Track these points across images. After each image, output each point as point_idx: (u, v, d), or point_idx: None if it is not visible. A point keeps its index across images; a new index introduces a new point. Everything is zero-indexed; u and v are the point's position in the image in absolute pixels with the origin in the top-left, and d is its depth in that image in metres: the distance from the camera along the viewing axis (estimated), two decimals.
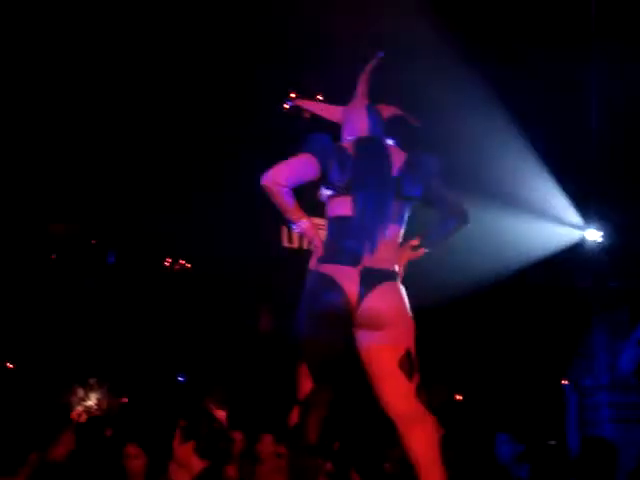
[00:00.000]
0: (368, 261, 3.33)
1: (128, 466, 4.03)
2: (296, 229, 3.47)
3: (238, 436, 6.14)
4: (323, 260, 3.39)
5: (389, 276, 3.37)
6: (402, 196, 3.43)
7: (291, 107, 3.74)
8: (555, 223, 9.85)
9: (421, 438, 3.13)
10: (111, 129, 9.62)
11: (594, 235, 10.26)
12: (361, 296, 3.28)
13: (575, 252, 10.27)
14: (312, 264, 3.43)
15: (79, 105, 9.21)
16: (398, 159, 3.46)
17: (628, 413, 10.84)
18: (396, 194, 3.42)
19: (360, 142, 3.50)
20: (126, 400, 13.28)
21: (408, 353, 3.26)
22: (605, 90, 8.13)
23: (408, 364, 3.25)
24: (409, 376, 3.23)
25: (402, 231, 3.51)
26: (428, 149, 3.57)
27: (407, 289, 3.45)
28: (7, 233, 11.14)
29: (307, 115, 3.71)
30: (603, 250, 10.30)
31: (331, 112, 3.71)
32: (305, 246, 9.63)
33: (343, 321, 3.29)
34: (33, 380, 11.32)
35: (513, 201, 8.99)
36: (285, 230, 9.78)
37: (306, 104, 3.71)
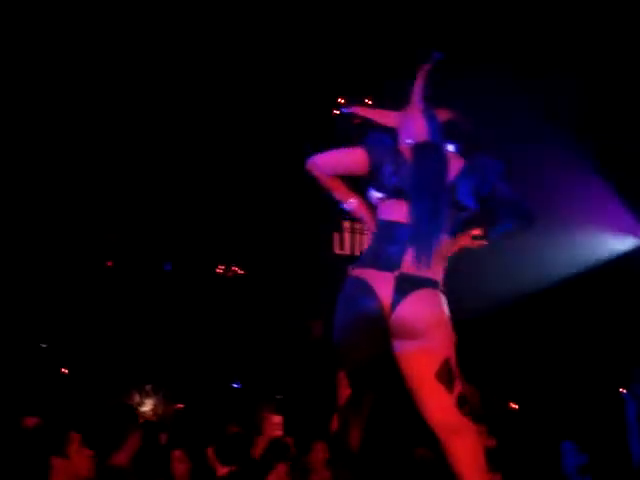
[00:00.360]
0: (407, 267, 3.26)
1: (173, 469, 4.05)
2: (346, 207, 3.46)
3: (289, 442, 6.14)
4: (360, 264, 3.36)
5: (426, 283, 3.26)
6: (455, 204, 3.36)
7: (346, 114, 3.65)
8: (611, 230, 9.68)
9: (463, 449, 3.03)
10: (166, 142, 9.73)
11: None
12: (395, 303, 3.20)
13: (632, 258, 10.07)
14: (350, 268, 3.39)
15: (136, 118, 9.34)
16: (455, 166, 3.39)
17: None
18: (451, 202, 3.37)
19: (418, 147, 3.43)
20: (182, 406, 13.38)
21: (447, 363, 3.16)
22: None
23: (447, 375, 3.14)
24: (449, 388, 3.12)
25: (447, 239, 3.43)
26: (486, 150, 3.51)
27: (461, 294, 3.39)
28: (64, 241, 11.33)
29: (358, 121, 3.63)
30: None
31: (387, 117, 3.63)
32: (357, 252, 9.61)
33: (377, 328, 3.22)
34: (90, 386, 11.48)
35: (568, 207, 8.85)
36: (337, 237, 9.77)
37: (362, 110, 3.64)
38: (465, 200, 3.32)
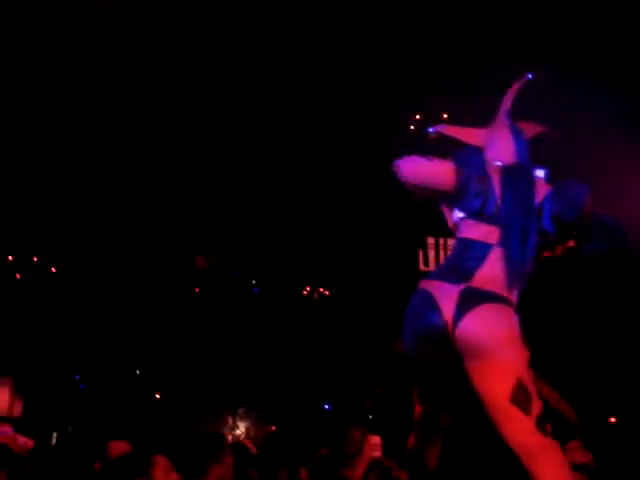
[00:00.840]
0: (476, 282, 3.10)
1: None
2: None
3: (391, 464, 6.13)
4: (431, 276, 3.25)
5: (491, 298, 3.06)
6: (538, 230, 3.27)
7: (434, 133, 3.57)
8: None
9: (548, 471, 2.86)
10: (250, 167, 9.83)
11: None
12: (456, 319, 3.01)
13: None
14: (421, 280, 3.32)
15: (212, 144, 9.46)
16: (541, 191, 3.31)
17: None
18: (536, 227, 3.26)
19: (508, 170, 3.32)
20: (274, 428, 13.47)
21: (520, 385, 2.93)
22: None
23: (522, 397, 2.92)
24: (526, 410, 2.91)
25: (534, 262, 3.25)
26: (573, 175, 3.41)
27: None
28: (156, 269, 11.59)
29: (434, 136, 3.56)
30: None
31: (473, 135, 3.50)
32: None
33: (442, 343, 3.04)
34: (183, 409, 11.66)
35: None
36: (421, 253, 9.70)
37: (447, 129, 3.56)
38: (547, 225, 3.24)
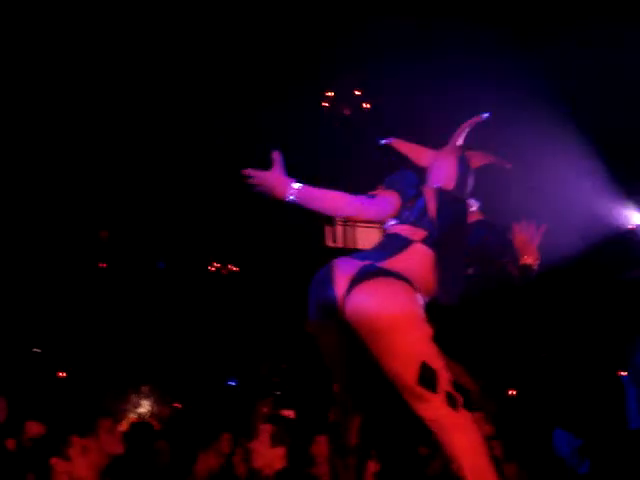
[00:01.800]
0: (384, 264, 3.02)
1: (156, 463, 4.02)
2: None
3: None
4: (349, 255, 3.21)
5: (389, 273, 2.97)
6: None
7: (385, 145, 3.59)
8: (607, 212, 9.66)
9: (461, 445, 2.85)
10: (158, 141, 9.67)
11: None
12: (347, 292, 2.91)
13: (630, 240, 10.07)
14: None
15: (127, 118, 9.29)
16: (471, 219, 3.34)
17: None
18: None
19: (444, 196, 3.33)
20: (179, 406, 13.34)
21: (424, 366, 2.84)
22: None
23: (428, 377, 2.84)
24: (432, 389, 2.85)
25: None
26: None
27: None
28: (57, 243, 11.27)
29: (383, 148, 3.59)
30: None
31: (422, 155, 3.57)
32: (350, 245, 9.56)
33: (335, 317, 2.94)
34: (86, 388, 11.43)
35: (561, 189, 8.82)
36: (329, 230, 9.72)
37: (399, 144, 3.59)
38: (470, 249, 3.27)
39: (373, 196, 3.32)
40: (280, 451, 5.19)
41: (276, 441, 4.83)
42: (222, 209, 10.61)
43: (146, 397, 13.61)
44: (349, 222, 9.88)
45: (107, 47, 8.12)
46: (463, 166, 3.48)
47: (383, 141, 3.58)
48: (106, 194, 10.59)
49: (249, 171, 3.14)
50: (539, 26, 7.78)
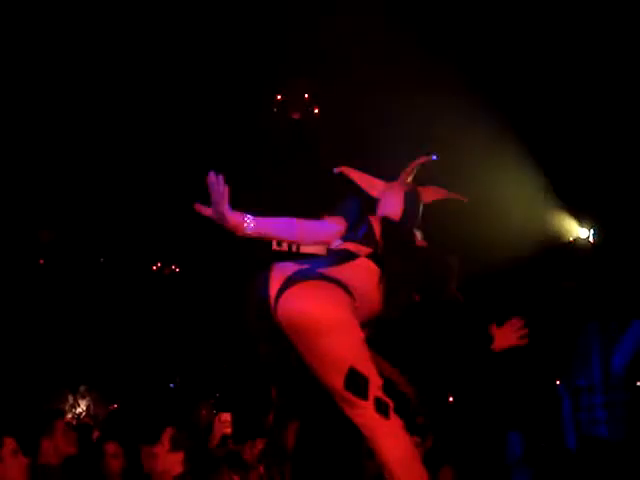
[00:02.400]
0: (323, 271, 3.01)
1: (107, 465, 3.97)
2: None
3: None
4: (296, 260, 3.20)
5: (321, 277, 2.96)
6: None
7: (336, 173, 3.63)
8: (548, 223, 9.83)
9: (389, 451, 2.85)
10: (97, 140, 9.56)
11: (586, 235, 10.25)
12: (278, 295, 2.91)
13: (567, 251, 10.25)
14: None
15: (71, 110, 9.16)
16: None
17: (622, 412, 10.81)
18: None
19: (389, 224, 3.38)
20: (116, 406, 13.18)
21: (352, 372, 2.82)
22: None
23: (356, 384, 2.82)
24: (362, 396, 2.83)
25: None
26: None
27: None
28: None
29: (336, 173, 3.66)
30: (595, 250, 10.28)
31: (372, 186, 3.63)
32: (294, 249, 9.56)
33: (267, 320, 2.93)
34: (23, 386, 11.22)
35: (502, 199, 8.96)
36: None
37: (351, 172, 3.65)
38: None
39: (320, 220, 3.36)
40: (179, 456, 5.16)
41: (176, 446, 4.81)
42: (166, 209, 10.52)
43: (83, 397, 13.43)
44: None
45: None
46: (411, 201, 3.52)
47: (336, 169, 3.62)
48: (48, 192, 10.42)
49: (201, 208, 3.10)
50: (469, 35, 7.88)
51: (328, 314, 2.88)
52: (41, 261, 12.29)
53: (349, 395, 2.84)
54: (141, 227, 11.17)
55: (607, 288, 10.43)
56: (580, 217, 10.15)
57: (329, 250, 3.33)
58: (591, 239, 10.26)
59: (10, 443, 3.58)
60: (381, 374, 3.00)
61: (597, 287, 10.57)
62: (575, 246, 10.32)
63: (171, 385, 13.51)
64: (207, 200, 3.00)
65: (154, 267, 12.99)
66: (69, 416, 12.46)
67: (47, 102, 8.93)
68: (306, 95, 8.08)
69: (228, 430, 4.53)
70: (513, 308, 10.65)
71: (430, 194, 3.63)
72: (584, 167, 9.10)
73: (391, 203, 3.52)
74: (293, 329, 2.87)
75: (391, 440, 2.87)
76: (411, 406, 4.70)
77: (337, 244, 3.31)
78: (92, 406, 13.30)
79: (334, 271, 3.02)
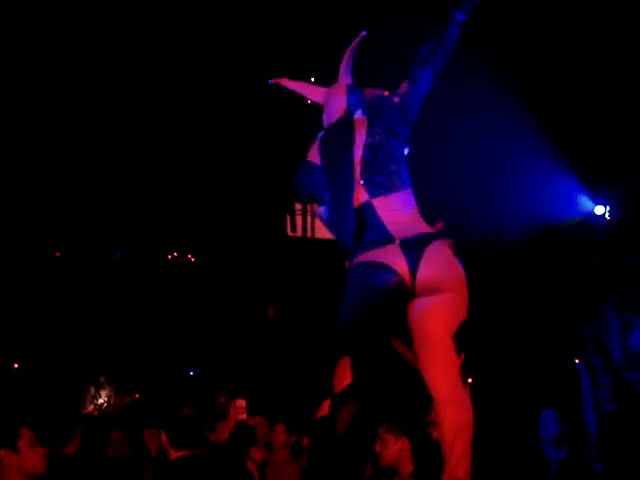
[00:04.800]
0: (397, 233, 3.11)
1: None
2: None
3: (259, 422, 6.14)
4: (359, 252, 3.18)
5: (430, 237, 3.13)
6: (388, 162, 3.24)
7: (273, 84, 3.54)
8: (563, 199, 9.76)
9: (453, 421, 2.97)
10: (117, 132, 9.57)
11: (602, 211, 10.18)
12: (412, 269, 3.04)
13: (585, 228, 10.18)
14: (349, 263, 3.23)
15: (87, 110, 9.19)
16: (361, 131, 3.29)
17: None
18: (377, 166, 3.23)
19: (325, 135, 3.36)
20: (137, 396, 13.27)
21: (462, 327, 3.08)
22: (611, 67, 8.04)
23: (459, 339, 3.05)
24: (458, 352, 3.05)
25: (406, 194, 3.25)
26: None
27: None
28: (12, 233, 11.12)
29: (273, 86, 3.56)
30: (613, 226, 10.21)
31: (313, 92, 3.54)
32: (309, 235, 9.55)
33: (402, 300, 3.08)
34: (42, 379, 11.31)
35: (519, 177, 8.89)
36: (289, 219, 9.69)
37: (288, 82, 3.54)
38: (394, 152, 3.24)
39: None
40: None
41: None
42: (181, 198, 10.53)
43: (104, 388, 13.53)
44: (309, 211, 9.86)
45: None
46: (354, 95, 3.43)
47: (271, 80, 3.54)
48: (64, 183, 10.45)
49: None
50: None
51: (460, 269, 3.16)
52: (57, 254, 12.35)
53: (452, 345, 3.03)
54: (156, 217, 11.18)
55: (625, 266, 10.36)
56: (596, 194, 10.08)
57: None
58: (607, 216, 10.18)
59: (27, 434, 3.59)
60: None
61: (615, 265, 10.50)
62: (591, 223, 10.25)
63: (190, 373, 13.57)
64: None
65: (169, 256, 13.02)
66: (91, 407, 12.57)
67: (58, 95, 8.94)
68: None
69: (243, 416, 4.54)
70: (530, 287, 10.66)
71: (372, 92, 3.50)
72: (600, 144, 9.03)
73: (334, 103, 3.43)
74: (436, 286, 3.07)
75: (456, 414, 3.00)
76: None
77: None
78: (113, 397, 13.40)
79: (407, 228, 3.16)
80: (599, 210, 10.19)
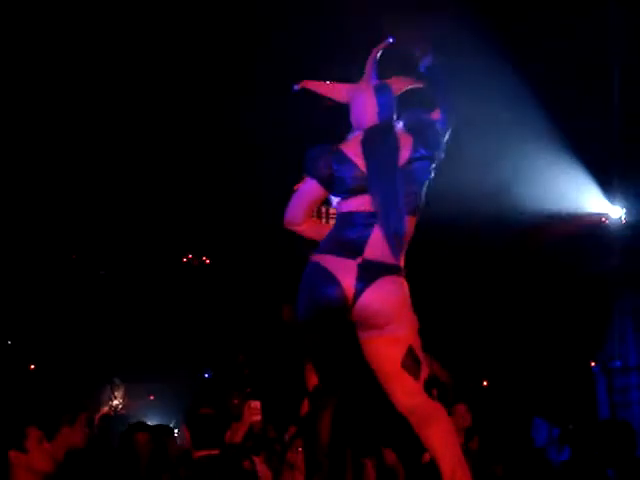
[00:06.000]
0: (370, 254, 3.13)
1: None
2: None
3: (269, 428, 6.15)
4: (322, 251, 3.22)
5: (391, 270, 3.14)
6: (416, 182, 3.24)
7: (299, 90, 3.55)
8: (579, 203, 9.73)
9: (437, 434, 2.99)
10: (129, 137, 9.60)
11: (618, 214, 10.13)
12: (358, 292, 3.08)
13: (600, 232, 10.14)
14: (312, 254, 3.27)
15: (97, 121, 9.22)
16: (406, 144, 3.25)
17: None
18: (407, 183, 3.22)
19: (367, 136, 3.32)
20: (152, 397, 13.31)
21: (411, 351, 3.06)
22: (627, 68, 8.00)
23: (412, 363, 3.05)
24: (415, 375, 3.04)
25: (414, 221, 3.26)
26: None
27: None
28: (28, 237, 11.17)
29: (298, 93, 3.56)
30: (628, 229, 10.16)
31: (338, 91, 3.50)
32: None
33: (340, 316, 3.11)
34: (57, 380, 11.35)
35: (536, 180, 8.86)
36: None
37: (312, 85, 3.53)
38: (423, 175, 3.25)
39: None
40: None
41: None
42: (196, 201, 10.55)
43: (119, 389, 13.56)
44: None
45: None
46: (382, 95, 3.42)
47: (296, 86, 3.53)
48: (79, 186, 10.50)
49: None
50: None
51: (404, 302, 3.15)
52: (73, 256, 12.41)
53: (404, 373, 3.04)
54: (171, 219, 11.21)
55: None
56: (612, 196, 10.03)
57: (338, 215, 3.32)
58: (623, 218, 10.13)
59: (34, 433, 3.61)
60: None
61: (631, 267, 10.45)
62: (608, 225, 10.20)
63: (205, 375, 13.60)
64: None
65: (184, 259, 13.06)
66: (106, 409, 12.60)
67: (69, 102, 8.97)
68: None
69: (257, 417, 4.56)
70: (547, 289, 10.60)
71: (399, 85, 3.49)
72: (616, 146, 8.98)
73: (362, 103, 3.42)
74: (373, 318, 3.08)
75: (436, 424, 3.01)
76: (449, 398, 4.73)
77: (337, 202, 3.32)
78: (127, 398, 13.43)
79: (380, 253, 3.15)
80: (615, 212, 10.15)
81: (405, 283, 3.18)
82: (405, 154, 3.25)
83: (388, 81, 3.48)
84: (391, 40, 3.53)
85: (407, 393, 3.04)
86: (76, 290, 12.13)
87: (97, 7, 7.58)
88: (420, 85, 3.52)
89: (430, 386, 3.06)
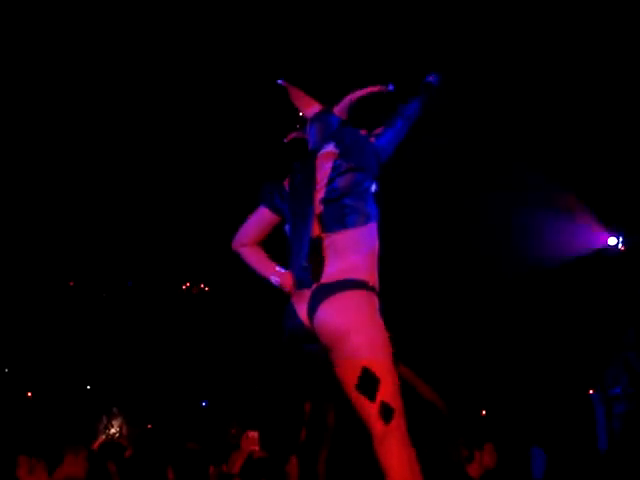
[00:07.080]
0: (325, 277, 3.09)
1: None
2: (274, 283, 3.36)
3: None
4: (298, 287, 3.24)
5: (343, 286, 3.05)
6: (348, 195, 3.20)
7: (280, 85, 3.57)
8: (578, 230, 9.75)
9: (388, 457, 2.91)
10: (127, 158, 9.62)
11: (615, 242, 10.16)
12: (310, 317, 3.08)
13: (600, 259, 10.15)
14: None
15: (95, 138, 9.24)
16: (328, 161, 3.26)
17: None
18: (336, 198, 3.20)
19: (292, 170, 3.41)
20: (150, 426, 13.23)
21: (365, 372, 2.93)
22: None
23: (366, 384, 2.93)
24: (370, 397, 2.92)
25: (363, 230, 3.20)
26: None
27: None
28: (25, 262, 11.16)
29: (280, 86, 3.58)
30: (627, 256, 10.18)
31: (307, 106, 3.53)
32: None
33: (308, 340, 3.12)
34: (55, 408, 11.30)
35: (537, 207, 8.91)
36: None
37: (293, 89, 3.55)
38: (343, 184, 3.20)
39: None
40: None
41: None
42: (194, 228, 10.57)
43: (116, 418, 13.50)
44: None
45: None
46: (312, 127, 3.48)
47: (280, 81, 3.53)
48: (78, 213, 10.51)
49: None
50: None
51: (357, 317, 3.02)
52: (71, 283, 12.39)
53: (359, 396, 2.95)
54: (170, 247, 11.22)
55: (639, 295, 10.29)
56: (609, 224, 10.06)
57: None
58: (620, 246, 10.15)
59: (25, 462, 3.61)
60: (402, 381, 3.08)
61: (629, 294, 10.44)
62: (605, 253, 10.22)
63: (202, 404, 13.53)
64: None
65: (183, 286, 13.05)
66: (102, 437, 12.53)
67: (70, 118, 9.00)
68: None
69: (256, 447, 4.55)
70: (546, 318, 10.58)
71: (347, 99, 3.49)
72: (612, 174, 9.02)
73: (316, 127, 3.46)
74: (329, 339, 3.03)
75: (389, 446, 2.93)
76: (442, 416, 4.68)
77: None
78: (125, 427, 13.36)
79: (337, 273, 3.11)
80: (612, 240, 10.17)
81: (361, 296, 3.05)
82: (325, 172, 3.26)
83: (335, 106, 3.51)
84: (391, 88, 3.47)
85: (364, 414, 2.96)
86: (74, 318, 12.10)
87: (97, 7, 7.62)
88: (376, 89, 3.48)
89: (387, 409, 2.93)
